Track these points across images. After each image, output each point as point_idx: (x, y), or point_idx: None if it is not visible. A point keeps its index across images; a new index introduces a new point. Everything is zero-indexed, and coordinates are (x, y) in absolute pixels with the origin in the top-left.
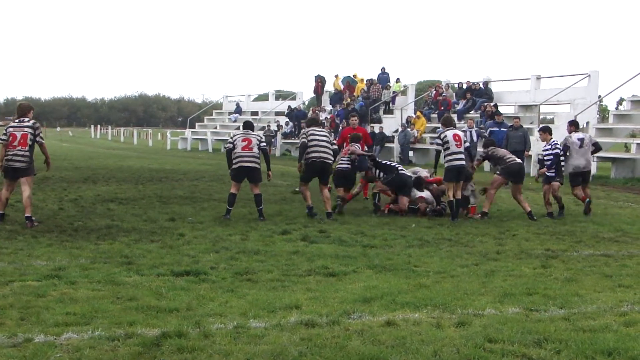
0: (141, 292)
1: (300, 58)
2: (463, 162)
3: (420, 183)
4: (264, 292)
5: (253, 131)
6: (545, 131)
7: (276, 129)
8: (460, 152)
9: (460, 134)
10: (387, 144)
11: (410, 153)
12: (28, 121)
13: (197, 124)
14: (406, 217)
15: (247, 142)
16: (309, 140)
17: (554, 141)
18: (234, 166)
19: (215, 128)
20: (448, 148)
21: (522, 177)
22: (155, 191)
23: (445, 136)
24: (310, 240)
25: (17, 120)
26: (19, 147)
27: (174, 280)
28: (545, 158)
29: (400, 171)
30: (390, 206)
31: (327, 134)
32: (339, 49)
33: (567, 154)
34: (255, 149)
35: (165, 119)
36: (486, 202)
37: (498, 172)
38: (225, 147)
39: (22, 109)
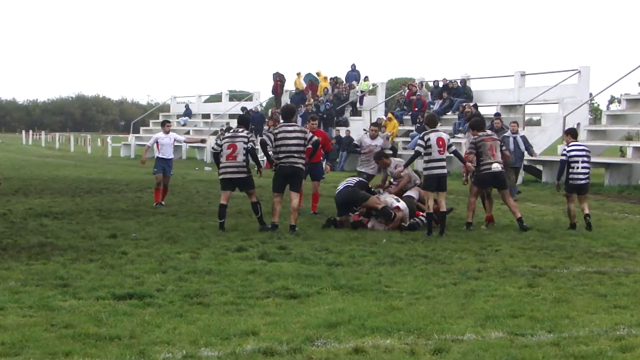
0: (78, 318)
1: (257, 54)
2: (444, 170)
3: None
4: (216, 316)
5: (247, 128)
6: (568, 134)
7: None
8: (441, 159)
9: (446, 137)
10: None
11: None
12: None
13: (141, 128)
14: (376, 232)
15: (231, 149)
16: (276, 139)
17: (570, 144)
18: (220, 176)
19: None
20: (429, 153)
21: (501, 183)
22: (94, 204)
23: (429, 139)
24: (268, 258)
25: None
26: None
27: (116, 304)
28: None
29: (338, 190)
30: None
31: (301, 132)
32: (300, 44)
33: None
34: (241, 157)
35: (106, 123)
36: (469, 212)
37: (472, 179)
38: (212, 149)
39: None
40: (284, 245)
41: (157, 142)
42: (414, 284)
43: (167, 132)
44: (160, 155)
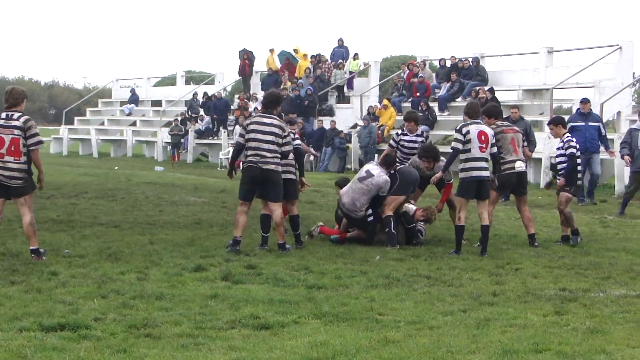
0: None
1: (220, 27)
2: (486, 173)
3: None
4: (169, 352)
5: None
6: (558, 124)
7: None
8: (483, 159)
9: (490, 132)
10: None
11: (376, 157)
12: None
13: (76, 118)
14: (368, 248)
15: None
16: (247, 132)
17: (567, 137)
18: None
19: (102, 124)
20: (468, 150)
21: (523, 187)
22: (16, 212)
23: (469, 132)
24: (234, 279)
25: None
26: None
27: (44, 337)
28: (558, 161)
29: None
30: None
31: (279, 127)
32: (273, 14)
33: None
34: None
35: (32, 111)
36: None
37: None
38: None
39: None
40: (252, 263)
41: None
42: (414, 311)
43: None
44: None
